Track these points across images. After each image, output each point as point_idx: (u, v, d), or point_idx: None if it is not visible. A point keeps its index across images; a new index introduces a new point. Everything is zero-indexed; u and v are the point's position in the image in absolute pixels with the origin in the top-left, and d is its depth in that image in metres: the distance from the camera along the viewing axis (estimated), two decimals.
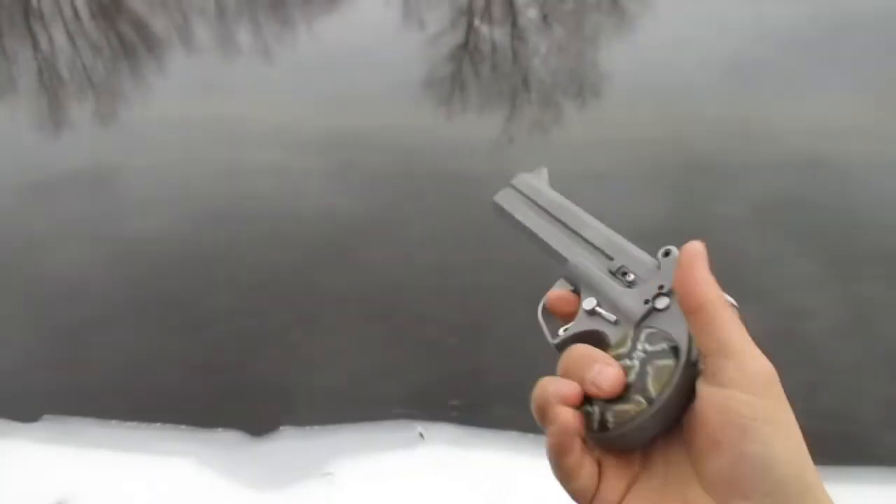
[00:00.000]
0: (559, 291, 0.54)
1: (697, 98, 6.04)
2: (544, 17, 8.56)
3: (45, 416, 3.27)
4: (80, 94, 7.12)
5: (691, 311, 0.45)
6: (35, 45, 8.58)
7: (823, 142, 5.28)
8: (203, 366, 3.64)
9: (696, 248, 0.46)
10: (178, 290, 4.18)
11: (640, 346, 0.46)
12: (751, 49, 6.96)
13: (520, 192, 0.59)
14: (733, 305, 0.46)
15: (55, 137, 6.26)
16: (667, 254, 0.50)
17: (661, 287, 0.49)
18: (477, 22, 8.56)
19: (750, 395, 0.41)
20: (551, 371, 0.47)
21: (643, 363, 0.45)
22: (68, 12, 9.84)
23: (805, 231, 4.41)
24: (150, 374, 3.60)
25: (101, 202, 5.10)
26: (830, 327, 3.63)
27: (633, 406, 0.44)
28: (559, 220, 0.56)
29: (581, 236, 0.55)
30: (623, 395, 0.45)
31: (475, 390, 3.36)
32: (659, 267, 0.50)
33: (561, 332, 0.53)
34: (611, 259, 0.52)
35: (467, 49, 7.69)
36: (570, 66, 7.04)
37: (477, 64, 7.33)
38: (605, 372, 0.44)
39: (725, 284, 0.45)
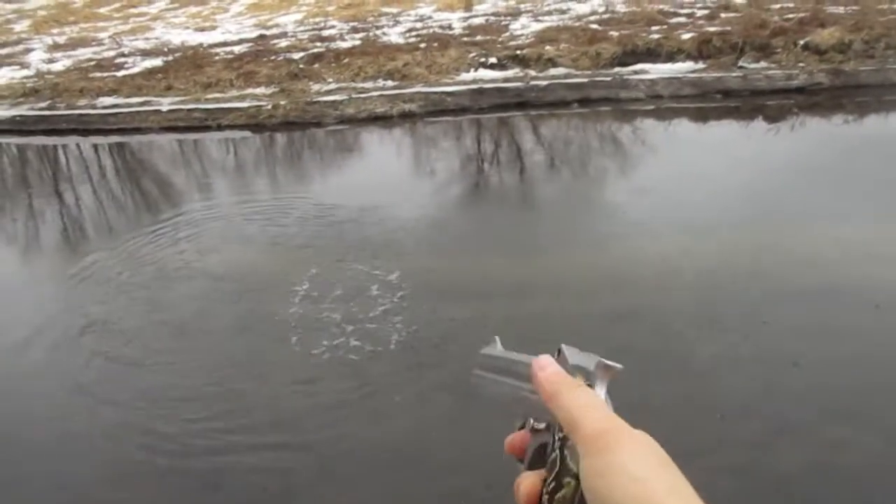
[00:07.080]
0: (511, 437, 0.66)
1: (717, 230, 6.16)
2: (551, 161, 8.90)
3: None
4: (103, 248, 7.31)
5: (547, 401, 0.56)
6: (61, 202, 8.92)
7: (850, 267, 5.36)
8: None
9: (539, 360, 0.59)
10: (198, 440, 4.14)
11: (557, 437, 0.56)
12: (763, 179, 7.17)
13: (481, 365, 0.71)
14: (604, 367, 0.56)
15: (75, 290, 6.38)
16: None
17: None
18: (486, 167, 8.90)
19: (587, 458, 0.49)
20: None
21: (562, 450, 0.54)
22: (95, 171, 10.30)
23: (837, 358, 4.38)
24: None
25: (119, 354, 5.13)
26: (869, 459, 3.54)
27: (568, 489, 0.52)
28: (504, 368, 0.67)
29: (515, 371, 0.64)
30: (558, 481, 0.53)
31: None
32: None
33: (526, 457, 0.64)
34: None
35: (477, 194, 7.96)
36: (579, 208, 7.24)
37: (486, 208, 7.55)
38: (519, 491, 0.56)
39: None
